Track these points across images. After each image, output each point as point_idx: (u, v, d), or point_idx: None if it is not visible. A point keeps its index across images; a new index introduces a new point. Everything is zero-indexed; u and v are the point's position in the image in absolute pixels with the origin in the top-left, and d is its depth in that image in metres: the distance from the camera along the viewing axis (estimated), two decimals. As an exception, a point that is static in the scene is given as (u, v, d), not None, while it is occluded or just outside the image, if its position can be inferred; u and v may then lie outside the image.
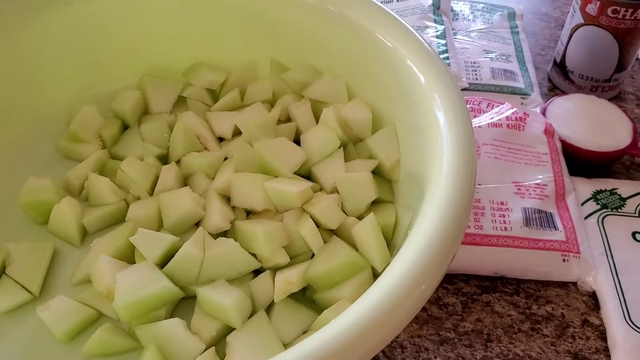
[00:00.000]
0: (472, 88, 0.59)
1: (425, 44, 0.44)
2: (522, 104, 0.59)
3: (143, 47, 0.57)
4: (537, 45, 0.71)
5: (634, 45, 0.60)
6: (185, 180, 0.50)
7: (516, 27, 0.67)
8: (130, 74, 0.57)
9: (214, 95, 0.58)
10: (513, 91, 0.59)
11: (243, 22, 0.54)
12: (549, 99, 0.59)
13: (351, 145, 0.50)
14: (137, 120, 0.55)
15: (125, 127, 0.55)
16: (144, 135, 0.53)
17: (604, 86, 0.62)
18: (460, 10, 0.68)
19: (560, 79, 0.64)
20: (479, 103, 0.56)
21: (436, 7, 0.63)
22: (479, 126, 0.53)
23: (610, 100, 0.64)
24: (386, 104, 0.48)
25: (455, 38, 0.64)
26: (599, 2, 0.57)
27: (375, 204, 0.46)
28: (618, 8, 0.56)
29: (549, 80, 0.66)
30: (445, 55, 0.57)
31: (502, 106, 0.55)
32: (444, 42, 0.59)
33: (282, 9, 0.52)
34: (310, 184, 0.46)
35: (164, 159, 0.52)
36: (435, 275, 0.33)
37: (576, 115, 0.56)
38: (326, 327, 0.31)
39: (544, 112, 0.57)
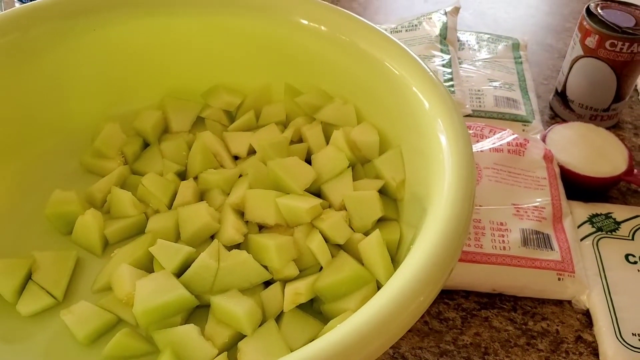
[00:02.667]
0: (475, 115, 0.62)
1: (430, 72, 0.47)
2: (523, 130, 0.62)
3: (165, 70, 0.60)
4: (541, 75, 0.74)
5: (631, 77, 0.62)
6: (202, 196, 0.53)
7: (520, 57, 0.70)
8: (152, 94, 0.60)
9: (231, 116, 0.61)
10: (515, 118, 0.62)
11: (260, 48, 0.58)
12: (549, 127, 0.61)
13: (359, 165, 0.53)
14: (158, 138, 0.58)
15: (146, 145, 0.58)
16: (164, 153, 0.56)
17: (603, 115, 0.65)
18: (467, 40, 0.72)
19: (561, 107, 0.67)
20: (482, 129, 0.59)
21: (443, 37, 0.66)
22: (481, 151, 0.56)
23: (608, 129, 0.66)
24: (392, 127, 0.51)
25: (460, 67, 0.67)
26: (597, 36, 0.60)
27: (381, 221, 0.49)
28: (615, 41, 0.59)
29: (551, 108, 0.69)
30: (451, 83, 0.60)
31: (503, 132, 0.58)
32: (449, 70, 0.62)
33: (296, 37, 0.55)
34: (320, 201, 0.49)
35: (182, 175, 0.55)
36: (433, 288, 0.35)
37: (574, 142, 0.59)
38: (330, 333, 0.33)
39: (543, 139, 0.59)
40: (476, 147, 0.57)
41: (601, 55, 0.61)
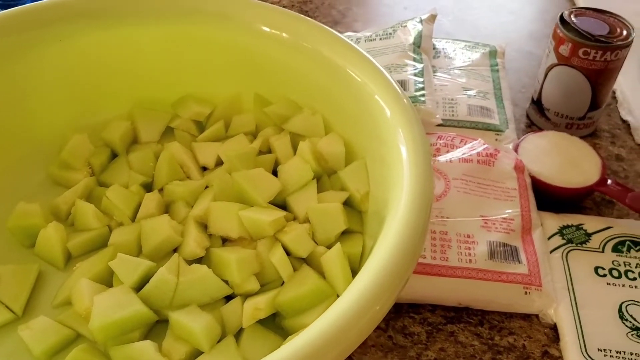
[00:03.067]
0: (448, 124, 0.62)
1: (392, 81, 0.47)
2: (496, 140, 0.61)
3: (134, 80, 0.59)
4: (519, 83, 0.73)
5: (606, 85, 0.62)
6: (167, 208, 0.52)
7: (496, 65, 0.69)
8: (121, 104, 0.60)
9: (201, 126, 0.60)
10: (488, 127, 0.61)
11: (228, 57, 0.57)
12: (523, 136, 0.61)
13: (325, 177, 0.52)
14: (126, 149, 0.58)
15: (115, 156, 0.58)
16: (132, 164, 0.56)
17: (579, 124, 0.64)
18: (443, 48, 0.71)
19: (537, 116, 0.66)
20: (453, 139, 0.58)
21: (417, 46, 0.66)
22: (451, 161, 0.55)
23: (585, 137, 0.66)
24: (358, 137, 0.51)
25: (435, 75, 0.67)
26: (570, 44, 0.59)
27: (346, 234, 0.48)
28: (588, 50, 0.59)
29: (528, 117, 0.68)
30: (422, 92, 0.60)
31: (474, 142, 0.57)
32: (421, 79, 0.61)
33: (262, 46, 0.54)
34: (284, 213, 0.48)
35: (150, 187, 0.55)
36: (388, 298, 0.35)
37: (547, 151, 0.58)
38: (285, 345, 0.33)
39: (516, 149, 0.59)
40: (446, 157, 0.56)
41: (575, 64, 0.60)
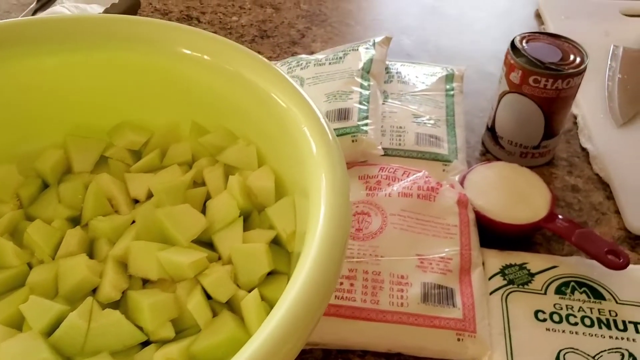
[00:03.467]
0: (394, 154, 0.59)
1: (317, 111, 0.45)
2: (443, 170, 0.58)
3: (68, 107, 0.57)
4: (477, 107, 0.70)
5: (560, 113, 0.59)
6: (91, 245, 0.50)
7: (452, 89, 0.67)
8: (54, 132, 0.58)
9: (137, 155, 0.58)
10: (435, 157, 0.59)
11: (161, 83, 0.55)
12: (471, 167, 0.58)
13: (255, 213, 0.50)
14: (58, 179, 0.56)
15: (47, 187, 0.55)
16: (61, 196, 0.53)
17: (534, 153, 0.62)
18: (397, 72, 0.68)
19: (492, 143, 0.64)
20: (395, 171, 0.56)
21: (366, 71, 0.63)
22: (389, 195, 0.53)
23: (542, 166, 0.63)
24: (288, 169, 0.48)
25: (386, 102, 0.64)
26: (520, 71, 0.57)
27: (273, 274, 0.46)
28: (538, 78, 0.56)
29: (483, 144, 0.66)
30: (365, 121, 0.57)
31: (418, 174, 0.55)
32: (366, 107, 0.59)
33: (193, 73, 0.52)
34: (205, 254, 0.46)
35: (79, 221, 0.52)
36: (297, 340, 0.33)
37: (495, 184, 0.55)
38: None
39: (462, 180, 0.56)
40: (386, 191, 0.54)
41: (526, 92, 0.58)
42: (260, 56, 0.49)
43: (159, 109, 0.57)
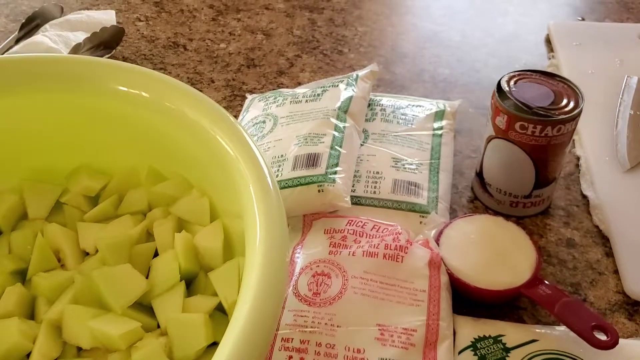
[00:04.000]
0: (367, 203, 0.54)
1: (260, 159, 0.41)
2: (420, 223, 0.53)
3: (25, 149, 0.54)
4: (469, 147, 0.65)
5: (552, 161, 0.54)
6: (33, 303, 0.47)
7: (441, 127, 0.62)
8: (10, 176, 0.55)
9: (95, 200, 0.55)
10: (412, 208, 0.54)
11: (115, 125, 0.52)
12: (450, 221, 0.53)
13: (202, 274, 0.46)
14: (12, 226, 0.53)
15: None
16: (12, 245, 0.51)
17: (525, 202, 0.56)
18: (381, 109, 0.63)
19: (480, 190, 0.59)
20: (364, 225, 0.51)
21: (343, 111, 0.58)
22: (353, 254, 0.48)
23: (536, 215, 0.58)
24: (237, 224, 0.44)
25: (365, 143, 0.60)
26: (506, 116, 0.52)
27: (214, 346, 0.42)
28: (525, 124, 0.51)
29: (472, 189, 0.60)
30: (335, 169, 0.53)
31: (390, 228, 0.50)
32: (337, 153, 0.54)
33: (141, 115, 0.49)
34: (139, 324, 0.42)
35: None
36: None
37: (474, 242, 0.50)
38: None
39: (439, 237, 0.51)
40: (350, 249, 0.49)
41: (513, 138, 0.52)
42: (208, 98, 0.46)
43: (117, 152, 0.54)
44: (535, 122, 0.50)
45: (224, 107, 0.67)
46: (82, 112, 0.52)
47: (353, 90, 0.62)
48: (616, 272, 0.53)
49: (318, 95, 0.61)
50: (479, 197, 0.59)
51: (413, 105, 0.64)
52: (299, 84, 0.73)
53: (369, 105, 0.64)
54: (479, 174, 0.58)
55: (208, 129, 0.45)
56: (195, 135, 0.45)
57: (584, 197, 0.60)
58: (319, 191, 0.52)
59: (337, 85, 0.62)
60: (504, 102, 0.52)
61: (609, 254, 0.54)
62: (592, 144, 0.64)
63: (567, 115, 0.50)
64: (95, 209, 0.53)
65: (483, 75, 0.75)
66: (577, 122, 0.51)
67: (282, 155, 0.56)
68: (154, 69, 0.75)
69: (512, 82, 0.53)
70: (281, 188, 0.53)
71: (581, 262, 0.54)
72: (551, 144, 0.52)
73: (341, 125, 0.57)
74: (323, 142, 0.55)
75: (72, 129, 0.53)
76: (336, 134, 0.56)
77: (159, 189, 0.51)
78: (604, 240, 0.55)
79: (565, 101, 0.51)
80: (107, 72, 0.49)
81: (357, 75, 0.64)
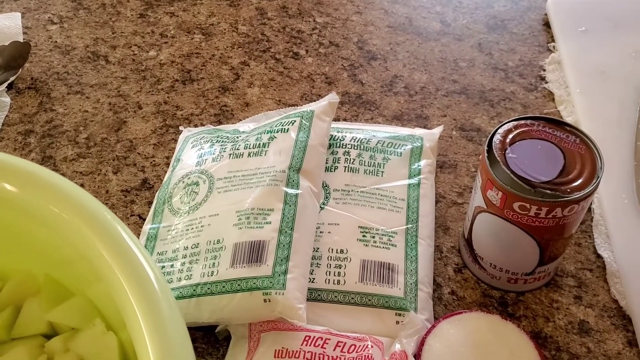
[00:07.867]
0: (329, 299, 0.43)
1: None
2: (397, 323, 0.42)
3: None
4: (454, 187, 0.53)
5: (560, 238, 0.42)
6: None
7: (418, 173, 0.49)
8: None
9: (-14, 312, 0.43)
10: (386, 304, 0.42)
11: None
12: (435, 322, 0.42)
13: None
14: None
15: None
16: None
17: (527, 279, 0.45)
18: (344, 152, 0.50)
19: (469, 259, 0.47)
20: (325, 342, 0.40)
21: (295, 170, 0.46)
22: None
23: (540, 288, 0.47)
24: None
25: (324, 205, 0.47)
26: (500, 193, 0.39)
27: None
28: (527, 205, 0.39)
29: (459, 252, 0.49)
30: (284, 266, 0.41)
31: (354, 345, 0.39)
32: (288, 240, 0.42)
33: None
34: None
35: None
36: None
37: (463, 355, 0.39)
38: None
39: (420, 348, 0.40)
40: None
41: (510, 217, 0.40)
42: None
43: (8, 253, 0.42)
44: (540, 204, 0.38)
45: (155, 145, 0.55)
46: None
47: (307, 135, 0.49)
48: (641, 367, 0.43)
49: (264, 145, 0.48)
50: (469, 266, 0.48)
51: (383, 142, 0.51)
52: (247, 104, 0.60)
53: (330, 145, 0.51)
54: (467, 241, 0.46)
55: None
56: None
57: (599, 256, 0.48)
58: (265, 300, 0.40)
59: (287, 130, 0.49)
60: (497, 174, 0.39)
61: (633, 342, 0.44)
62: (607, 178, 0.51)
63: (581, 193, 0.38)
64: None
65: (469, 81, 0.62)
66: (592, 197, 0.39)
67: (218, 241, 0.44)
68: (69, 92, 0.62)
69: (507, 141, 0.41)
70: (218, 293, 0.42)
71: (598, 356, 0.43)
72: (560, 224, 0.40)
73: (293, 192, 0.45)
74: (269, 224, 0.43)
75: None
76: (287, 208, 0.44)
77: (54, 316, 0.40)
78: (626, 321, 0.45)
79: (578, 167, 0.39)
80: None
81: (312, 113, 0.50)
